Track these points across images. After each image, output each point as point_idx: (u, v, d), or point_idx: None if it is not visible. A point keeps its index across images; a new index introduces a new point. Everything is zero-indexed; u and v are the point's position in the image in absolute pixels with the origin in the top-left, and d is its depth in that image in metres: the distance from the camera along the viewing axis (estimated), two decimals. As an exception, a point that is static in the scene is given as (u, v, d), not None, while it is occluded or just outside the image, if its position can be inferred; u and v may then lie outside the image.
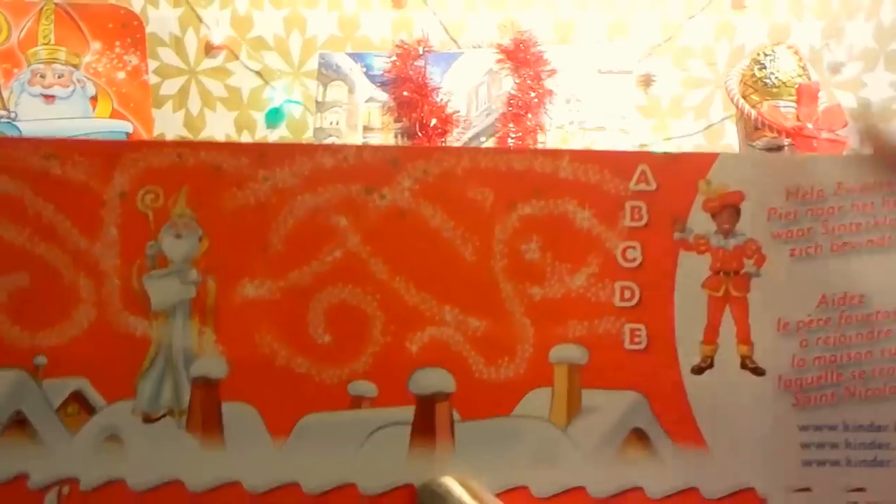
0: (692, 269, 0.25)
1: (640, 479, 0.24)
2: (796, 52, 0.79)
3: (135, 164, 0.26)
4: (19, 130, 0.56)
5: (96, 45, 0.58)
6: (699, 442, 0.25)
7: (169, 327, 0.25)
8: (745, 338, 0.25)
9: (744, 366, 0.25)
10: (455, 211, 0.25)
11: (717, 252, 0.25)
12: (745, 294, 0.25)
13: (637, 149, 0.67)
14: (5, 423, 0.25)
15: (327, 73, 0.72)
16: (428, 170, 0.26)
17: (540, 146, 0.56)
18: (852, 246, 0.25)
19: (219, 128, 0.75)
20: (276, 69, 0.78)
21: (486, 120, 0.78)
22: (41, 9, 0.59)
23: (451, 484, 0.24)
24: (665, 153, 0.26)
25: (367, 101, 0.74)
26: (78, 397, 0.25)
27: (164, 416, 0.25)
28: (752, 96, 0.86)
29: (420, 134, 0.66)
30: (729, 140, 0.91)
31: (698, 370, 0.25)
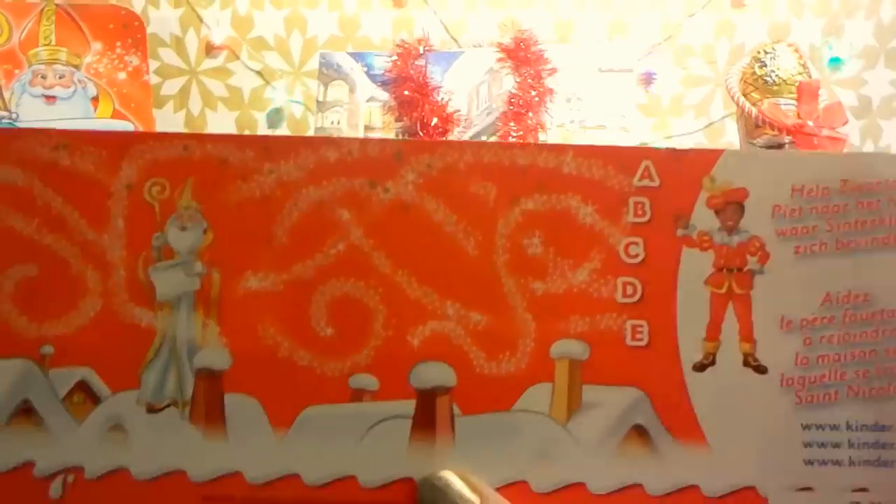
0: (695, 266, 0.24)
1: (641, 476, 0.24)
2: (796, 50, 0.77)
3: (142, 156, 0.25)
4: (20, 131, 0.56)
5: (97, 46, 0.58)
6: (700, 439, 0.24)
7: (173, 318, 0.25)
8: (747, 335, 0.24)
9: (746, 363, 0.24)
10: (458, 205, 0.24)
11: (720, 249, 0.24)
12: (749, 291, 0.24)
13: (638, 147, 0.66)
14: (12, 411, 0.24)
15: (328, 72, 0.71)
16: (431, 164, 0.25)
17: (542, 144, 0.55)
18: (857, 244, 0.24)
19: (220, 128, 0.74)
20: (276, 69, 0.77)
21: (486, 119, 0.77)
22: (42, 9, 0.58)
23: (451, 477, 0.23)
24: (669, 149, 0.25)
25: (368, 101, 0.73)
26: (84, 387, 0.25)
27: (167, 406, 0.24)
28: (753, 94, 0.85)
29: (421, 133, 0.65)
30: (729, 138, 0.90)
31: (700, 367, 0.24)
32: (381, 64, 0.73)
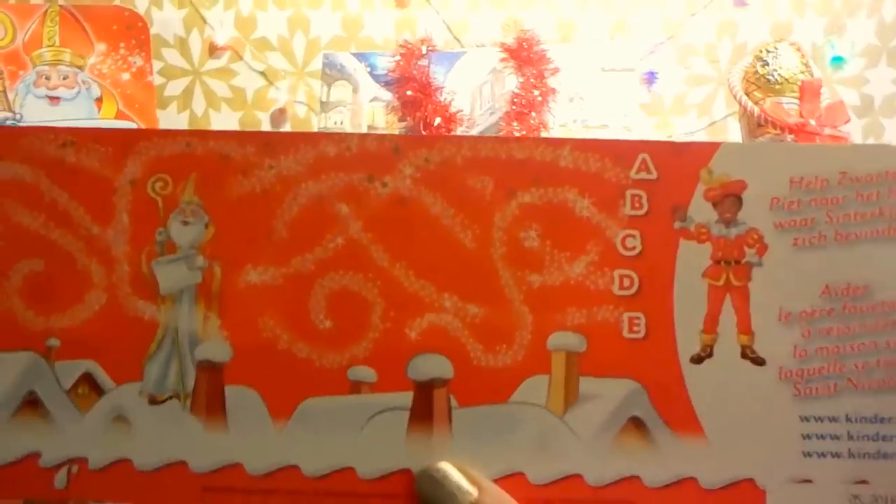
0: (692, 259, 0.24)
1: (638, 468, 0.23)
2: (798, 49, 0.76)
3: (146, 152, 0.25)
4: (24, 133, 0.56)
5: (101, 47, 0.58)
6: (697, 432, 0.23)
7: (175, 312, 0.25)
8: (745, 327, 0.24)
9: (744, 355, 0.24)
10: (455, 199, 0.24)
11: (718, 241, 0.24)
12: (747, 283, 0.24)
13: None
14: (19, 403, 0.24)
15: (331, 73, 0.71)
16: (429, 158, 0.24)
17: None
18: (856, 236, 0.24)
19: (223, 128, 0.74)
20: (280, 69, 0.77)
21: (489, 119, 0.76)
22: (46, 11, 0.58)
23: (449, 469, 0.23)
24: (667, 142, 0.24)
25: (371, 101, 0.73)
26: (88, 379, 0.25)
27: (169, 398, 0.24)
28: (755, 93, 0.84)
29: (424, 133, 0.65)
30: (732, 137, 0.89)
31: (697, 359, 0.24)
32: (385, 64, 0.73)
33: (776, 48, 0.77)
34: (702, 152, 0.24)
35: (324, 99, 0.74)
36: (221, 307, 0.24)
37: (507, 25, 0.80)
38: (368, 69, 0.74)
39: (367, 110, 0.74)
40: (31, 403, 0.24)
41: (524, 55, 0.77)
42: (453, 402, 0.24)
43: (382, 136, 0.25)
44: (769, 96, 0.77)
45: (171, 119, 0.78)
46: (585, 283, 0.24)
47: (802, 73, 0.77)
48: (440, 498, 0.23)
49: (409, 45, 0.73)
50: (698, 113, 0.89)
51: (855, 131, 0.83)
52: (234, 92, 0.79)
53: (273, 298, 0.24)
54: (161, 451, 0.24)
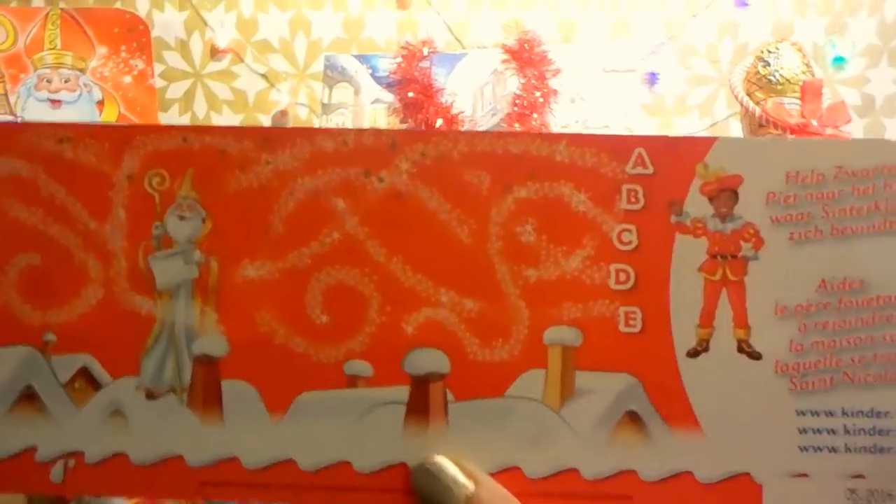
0: (689, 253, 0.24)
1: (634, 463, 0.23)
2: (800, 49, 0.76)
3: (143, 147, 0.25)
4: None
5: (102, 50, 0.58)
6: (694, 426, 0.23)
7: (172, 306, 0.25)
8: (741, 322, 0.24)
9: (740, 350, 0.24)
10: (451, 194, 0.24)
11: (714, 236, 0.24)
12: (743, 278, 0.24)
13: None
14: (16, 397, 0.25)
15: (333, 75, 0.71)
16: (425, 153, 0.24)
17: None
18: (852, 230, 0.24)
19: None
20: (281, 71, 0.77)
21: (491, 120, 0.76)
22: (47, 14, 0.58)
23: (445, 463, 0.23)
24: (663, 136, 0.24)
25: (372, 103, 0.73)
26: (85, 373, 0.25)
27: (166, 392, 0.24)
28: (757, 93, 0.84)
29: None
30: (732, 136, 0.88)
31: (694, 353, 0.24)
32: (386, 66, 0.73)
33: (777, 48, 0.77)
34: (698, 147, 0.24)
35: (325, 101, 0.74)
36: (218, 302, 0.24)
37: (508, 26, 0.80)
38: (370, 71, 0.74)
39: (368, 112, 0.74)
40: (28, 398, 0.25)
41: (525, 56, 0.77)
42: (449, 397, 0.24)
43: (379, 131, 0.25)
44: (771, 97, 0.77)
45: (173, 122, 0.78)
46: (581, 277, 0.24)
47: (804, 73, 0.77)
48: (436, 492, 0.23)
49: (411, 47, 0.73)
50: (700, 113, 0.89)
51: (856, 131, 0.83)
52: (236, 94, 0.79)
53: (270, 293, 0.24)
54: (158, 446, 0.24)
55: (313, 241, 0.24)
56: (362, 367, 0.24)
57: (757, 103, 0.79)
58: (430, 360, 0.24)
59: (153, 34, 0.69)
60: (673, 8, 0.85)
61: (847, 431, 0.23)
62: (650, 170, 0.24)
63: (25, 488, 0.25)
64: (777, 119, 0.75)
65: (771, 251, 0.24)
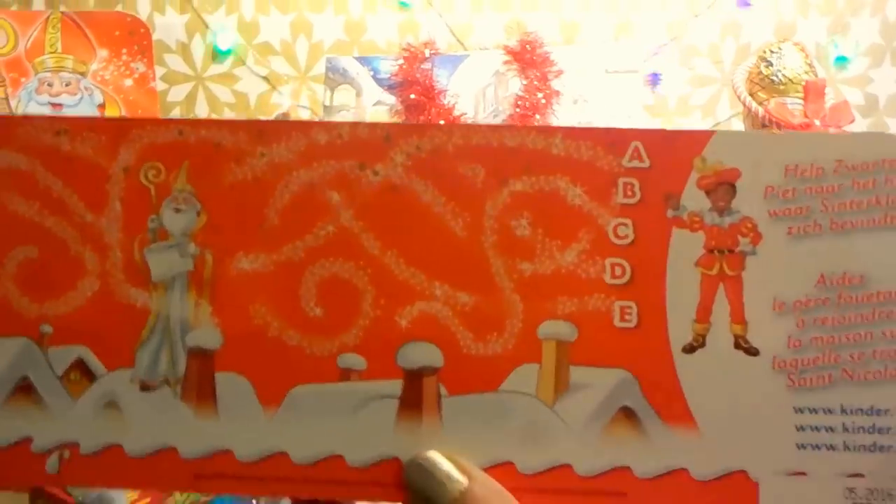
0: (685, 247, 0.23)
1: (628, 459, 0.23)
2: (802, 49, 0.75)
3: (139, 140, 0.25)
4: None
5: (103, 53, 0.57)
6: (689, 422, 0.23)
7: (167, 299, 0.24)
8: (739, 317, 0.23)
9: (737, 345, 0.23)
10: (446, 187, 0.24)
11: (711, 230, 0.23)
12: (740, 273, 0.23)
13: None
14: (12, 388, 0.24)
15: (334, 77, 0.71)
16: (420, 146, 0.24)
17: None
18: (852, 224, 0.23)
19: None
20: (283, 74, 0.76)
21: (493, 121, 0.76)
22: (48, 17, 0.58)
23: (439, 458, 0.23)
24: (660, 130, 0.24)
25: (374, 105, 0.72)
26: (80, 365, 0.24)
27: (160, 385, 0.24)
28: (759, 94, 0.83)
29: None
30: (735, 136, 0.87)
31: (690, 349, 0.23)
32: (388, 68, 0.73)
33: (780, 48, 0.76)
34: (695, 140, 0.24)
35: (327, 103, 0.74)
36: (213, 294, 0.24)
37: (510, 28, 0.79)
38: (371, 73, 0.74)
39: (370, 114, 0.73)
40: (24, 389, 0.24)
41: (527, 57, 0.76)
42: (443, 391, 0.23)
43: (374, 124, 0.24)
44: (773, 97, 0.76)
45: (175, 124, 0.77)
46: (577, 271, 0.23)
47: (807, 73, 0.76)
48: (430, 487, 0.22)
49: (412, 49, 0.73)
50: (702, 114, 0.88)
51: (859, 131, 0.81)
52: (237, 97, 0.79)
53: (264, 286, 0.24)
54: (152, 438, 0.24)
55: (308, 234, 0.24)
56: (356, 360, 0.24)
57: (760, 103, 0.78)
58: (423, 354, 0.23)
59: (154, 37, 0.68)
60: (675, 8, 0.84)
61: (846, 429, 0.22)
62: (647, 163, 0.24)
63: (21, 479, 0.25)
64: (780, 119, 0.74)
65: (769, 246, 0.23)
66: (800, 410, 0.23)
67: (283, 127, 0.25)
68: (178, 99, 0.79)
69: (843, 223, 0.23)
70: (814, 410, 0.22)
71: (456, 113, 0.74)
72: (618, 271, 0.23)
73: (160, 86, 0.73)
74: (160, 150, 0.25)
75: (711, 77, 0.86)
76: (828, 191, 0.23)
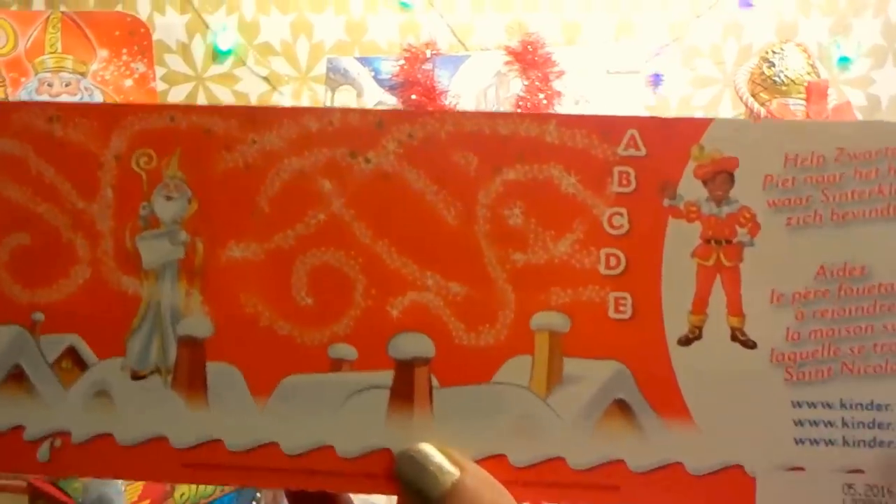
0: (681, 237, 0.22)
1: (622, 452, 0.22)
2: (805, 50, 0.74)
3: (131, 126, 0.24)
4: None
5: (103, 53, 0.57)
6: (685, 415, 0.22)
7: (158, 287, 0.24)
8: (736, 309, 0.22)
9: (734, 338, 0.22)
10: (439, 175, 0.23)
11: (708, 220, 0.22)
12: (738, 264, 0.22)
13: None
14: (4, 376, 0.24)
15: (335, 77, 0.70)
16: (413, 133, 0.23)
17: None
18: (853, 215, 0.22)
19: None
20: (283, 74, 0.76)
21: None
22: (48, 17, 0.57)
23: (430, 450, 0.22)
24: (656, 117, 0.23)
25: (375, 105, 0.72)
26: (72, 353, 0.24)
27: (151, 373, 0.24)
28: (761, 94, 0.82)
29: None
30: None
31: (685, 341, 0.22)
32: (389, 68, 0.72)
33: (782, 49, 0.75)
34: (693, 128, 0.23)
35: (328, 104, 0.74)
36: (204, 283, 0.24)
37: (511, 28, 0.79)
38: (372, 73, 0.74)
39: (371, 114, 0.73)
40: (16, 377, 0.24)
41: (529, 58, 0.76)
42: (434, 382, 0.23)
43: (366, 111, 0.24)
44: (775, 97, 0.75)
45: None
46: (571, 261, 0.23)
47: (809, 74, 0.75)
48: (421, 479, 0.21)
49: (414, 49, 0.72)
50: (704, 115, 0.87)
51: (861, 120, 0.80)
52: (238, 97, 0.79)
53: (255, 274, 0.23)
54: (142, 427, 0.23)
55: (299, 222, 0.23)
56: (347, 350, 0.23)
57: (762, 104, 0.77)
58: (414, 345, 0.23)
59: (154, 37, 0.68)
60: (676, 9, 0.83)
61: (845, 424, 0.21)
62: (643, 152, 0.23)
63: (13, 467, 0.24)
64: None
65: (767, 236, 0.22)
66: (798, 405, 0.22)
67: (275, 113, 0.24)
68: (179, 99, 0.79)
69: (844, 213, 0.22)
70: (812, 405, 0.22)
71: (457, 113, 0.73)
72: (612, 262, 0.22)
73: (160, 86, 0.73)
74: (152, 136, 0.24)
75: (713, 78, 0.85)
76: (828, 180, 0.22)
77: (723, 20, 0.83)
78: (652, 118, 0.23)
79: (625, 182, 0.23)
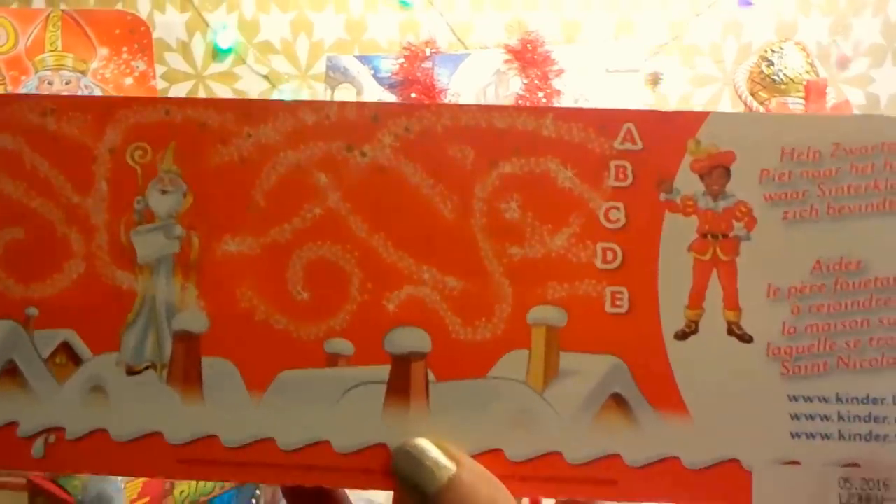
0: (678, 232, 0.22)
1: (619, 447, 0.22)
2: (804, 49, 0.74)
3: (125, 120, 0.24)
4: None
5: (103, 52, 0.57)
6: (681, 410, 0.22)
7: (153, 281, 0.24)
8: (732, 303, 0.22)
9: (730, 332, 0.22)
10: (435, 169, 0.23)
11: (704, 214, 0.23)
12: (734, 258, 0.22)
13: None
14: (-2, 371, 0.24)
15: (335, 76, 0.70)
16: (409, 127, 0.23)
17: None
18: (850, 209, 0.22)
19: None
20: (283, 73, 0.76)
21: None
22: (48, 16, 0.57)
23: (427, 445, 0.22)
24: (653, 111, 0.23)
25: (375, 105, 0.72)
26: (66, 348, 0.24)
27: (146, 368, 0.24)
28: (761, 93, 0.82)
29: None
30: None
31: (682, 335, 0.22)
32: (388, 66, 0.72)
33: (781, 48, 0.75)
34: (689, 122, 0.23)
35: (328, 102, 0.74)
36: (199, 277, 0.24)
37: (511, 27, 0.79)
38: (372, 72, 0.74)
39: (371, 113, 0.73)
40: (10, 372, 0.24)
41: (528, 56, 0.76)
42: (431, 376, 0.23)
43: (362, 104, 0.24)
44: (775, 96, 0.75)
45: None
46: (567, 256, 0.23)
47: (808, 72, 0.75)
48: (418, 474, 0.21)
49: (413, 48, 0.72)
50: (702, 112, 0.87)
51: (858, 114, 0.80)
52: (238, 96, 0.78)
53: (251, 269, 0.23)
54: (137, 422, 0.23)
55: (295, 216, 0.23)
56: (343, 345, 0.23)
57: (761, 103, 0.77)
58: (411, 339, 0.23)
59: (154, 35, 0.68)
60: (676, 7, 0.84)
61: (841, 418, 0.22)
62: (639, 145, 0.23)
63: (7, 464, 0.24)
64: (780, 118, 0.73)
65: (764, 231, 0.22)
66: (794, 398, 0.22)
67: (270, 106, 0.24)
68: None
69: (841, 208, 0.22)
70: (808, 399, 0.22)
71: (457, 111, 0.73)
72: (609, 256, 0.23)
73: (160, 84, 0.73)
74: (147, 130, 0.24)
75: (713, 76, 0.86)
76: (825, 175, 0.22)
77: (722, 19, 0.83)
78: (649, 111, 0.23)
79: (621, 176, 0.23)
